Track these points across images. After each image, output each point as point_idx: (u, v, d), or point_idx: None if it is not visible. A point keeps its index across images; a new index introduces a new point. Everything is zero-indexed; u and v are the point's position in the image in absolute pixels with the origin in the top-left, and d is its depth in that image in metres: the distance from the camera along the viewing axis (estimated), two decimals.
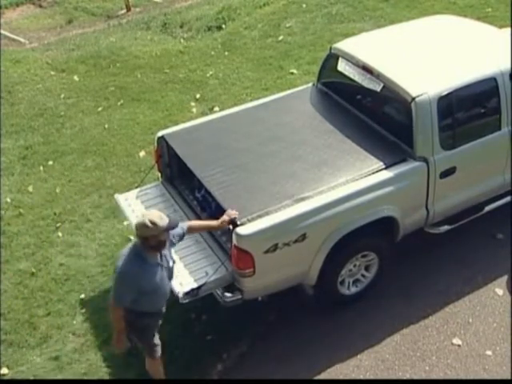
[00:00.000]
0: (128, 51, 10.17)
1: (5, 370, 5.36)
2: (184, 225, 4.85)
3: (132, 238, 6.40)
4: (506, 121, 5.76)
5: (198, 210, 5.76)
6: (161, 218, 4.35)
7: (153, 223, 4.29)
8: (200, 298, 5.09)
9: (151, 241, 4.35)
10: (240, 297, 5.11)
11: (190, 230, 4.91)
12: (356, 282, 5.68)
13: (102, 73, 9.65)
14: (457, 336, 5.46)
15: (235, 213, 4.94)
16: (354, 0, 10.83)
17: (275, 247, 4.96)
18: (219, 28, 10.78)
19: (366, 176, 5.30)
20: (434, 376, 5.17)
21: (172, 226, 4.46)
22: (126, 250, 4.50)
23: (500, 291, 5.79)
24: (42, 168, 7.64)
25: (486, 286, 5.84)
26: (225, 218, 4.92)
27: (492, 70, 5.68)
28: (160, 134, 6.01)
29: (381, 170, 5.36)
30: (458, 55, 5.94)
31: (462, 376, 5.16)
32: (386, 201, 5.35)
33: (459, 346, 5.38)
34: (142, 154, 7.72)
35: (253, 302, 5.29)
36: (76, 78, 9.51)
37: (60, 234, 6.65)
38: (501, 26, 7.30)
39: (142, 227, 4.32)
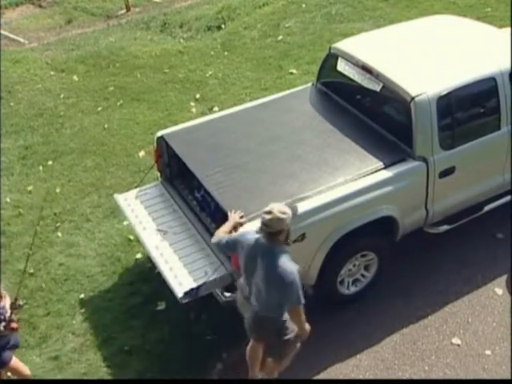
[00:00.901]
0: (127, 51, 10.17)
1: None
2: None
3: (131, 237, 6.42)
4: (506, 120, 5.76)
5: (197, 210, 5.76)
6: (286, 207, 4.28)
7: (284, 213, 4.21)
8: (200, 298, 5.10)
9: (284, 233, 4.26)
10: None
11: None
12: (355, 281, 5.68)
13: (102, 73, 9.65)
14: (456, 336, 5.46)
15: (239, 212, 4.93)
16: (354, 0, 10.83)
17: None
18: (219, 28, 10.78)
19: (365, 176, 5.30)
20: (433, 376, 5.18)
21: (295, 211, 4.44)
22: (270, 260, 4.25)
23: (499, 291, 5.79)
24: (41, 168, 7.63)
25: (486, 286, 5.84)
26: (234, 222, 4.84)
27: (491, 69, 5.68)
28: (159, 133, 6.01)
29: (380, 169, 5.36)
30: (457, 55, 5.94)
31: (462, 376, 5.16)
32: (385, 200, 5.35)
33: (458, 345, 5.38)
34: (141, 153, 7.72)
35: None
36: (75, 78, 9.51)
37: (59, 234, 6.65)
38: (500, 26, 7.30)
39: (275, 222, 4.19)
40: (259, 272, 4.34)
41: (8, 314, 4.58)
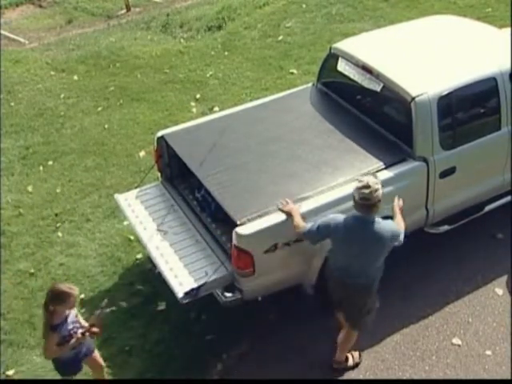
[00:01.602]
0: (128, 51, 10.17)
1: (10, 372, 5.38)
2: None
3: (132, 238, 6.42)
4: (506, 121, 5.76)
5: (197, 210, 5.76)
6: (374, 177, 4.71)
7: (377, 183, 4.58)
8: (200, 298, 5.09)
9: (380, 202, 4.59)
10: (240, 297, 5.11)
11: None
12: None
13: (102, 73, 9.65)
14: (456, 336, 5.46)
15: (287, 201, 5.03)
16: (354, 0, 10.84)
17: (275, 247, 4.96)
18: (219, 28, 10.77)
19: (365, 176, 5.29)
20: (433, 376, 5.17)
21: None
22: (377, 228, 4.60)
23: (500, 291, 5.79)
24: (41, 168, 7.64)
25: (486, 286, 5.84)
26: (296, 210, 4.97)
27: (492, 69, 5.68)
28: (160, 133, 6.01)
29: (380, 169, 5.36)
30: (457, 55, 5.94)
31: (462, 376, 5.15)
32: (385, 200, 5.32)
33: (459, 345, 5.38)
34: (141, 153, 7.72)
35: (253, 301, 5.30)
36: (76, 77, 9.51)
37: (60, 234, 6.65)
38: (501, 26, 7.31)
39: (374, 193, 4.51)
40: (366, 244, 4.63)
41: (82, 323, 4.58)
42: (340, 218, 4.71)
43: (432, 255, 6.13)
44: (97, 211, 6.93)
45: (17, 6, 12.81)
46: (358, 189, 4.54)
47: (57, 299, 4.37)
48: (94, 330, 4.53)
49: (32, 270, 6.23)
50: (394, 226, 4.75)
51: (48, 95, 9.08)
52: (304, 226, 4.83)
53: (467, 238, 6.20)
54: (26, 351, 5.51)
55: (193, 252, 5.36)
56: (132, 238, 6.43)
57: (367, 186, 4.51)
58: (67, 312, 4.48)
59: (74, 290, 4.42)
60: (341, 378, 5.18)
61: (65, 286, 4.42)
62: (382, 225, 4.63)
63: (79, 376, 5.26)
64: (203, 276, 5.09)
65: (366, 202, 4.53)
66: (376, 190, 4.53)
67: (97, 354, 4.91)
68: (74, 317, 4.57)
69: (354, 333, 5.08)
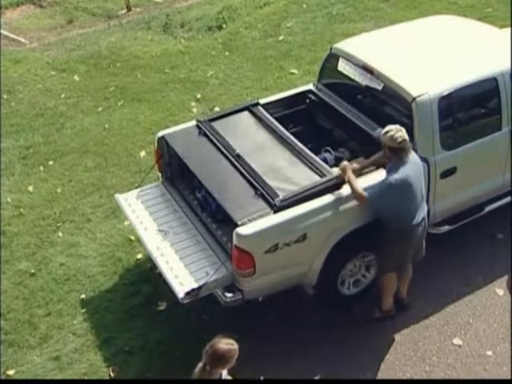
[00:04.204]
0: (128, 51, 10.17)
1: (11, 371, 5.39)
2: None
3: (132, 238, 6.42)
4: (507, 121, 5.76)
5: (198, 210, 5.75)
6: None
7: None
8: (200, 298, 5.09)
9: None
10: (240, 297, 5.11)
11: None
12: (356, 282, 5.67)
13: (103, 73, 9.65)
14: (457, 336, 5.46)
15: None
16: (355, 0, 10.84)
17: (276, 247, 4.95)
18: (219, 28, 10.78)
19: (366, 176, 5.29)
20: (434, 376, 5.17)
21: None
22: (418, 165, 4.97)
23: (500, 291, 5.79)
24: (42, 168, 7.64)
25: (487, 286, 5.84)
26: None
27: (492, 70, 5.68)
28: (160, 134, 6.01)
29: (381, 169, 5.35)
30: (458, 55, 5.94)
31: (463, 376, 5.15)
32: None
33: (460, 346, 5.38)
34: (142, 154, 7.71)
35: (253, 302, 5.29)
36: (76, 77, 9.51)
37: (60, 234, 6.65)
38: (501, 26, 7.30)
39: (404, 132, 4.82)
40: (416, 183, 4.91)
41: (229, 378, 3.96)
42: (387, 184, 4.86)
43: (432, 255, 6.11)
44: (97, 211, 6.93)
45: (17, 5, 12.80)
46: (392, 136, 4.77)
47: (220, 360, 3.78)
48: None
49: (32, 270, 6.23)
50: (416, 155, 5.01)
51: (48, 95, 9.08)
52: (363, 192, 4.99)
53: (467, 238, 6.20)
54: (26, 351, 5.51)
55: (193, 252, 5.35)
56: (132, 238, 6.43)
57: (399, 129, 4.78)
58: (221, 369, 3.90)
59: (235, 345, 3.79)
60: (340, 377, 5.18)
61: (227, 344, 3.76)
62: (415, 158, 4.94)
63: (79, 376, 5.29)
64: (204, 276, 5.08)
65: (405, 144, 4.80)
66: (402, 130, 4.81)
67: None
68: (226, 375, 3.97)
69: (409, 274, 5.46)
